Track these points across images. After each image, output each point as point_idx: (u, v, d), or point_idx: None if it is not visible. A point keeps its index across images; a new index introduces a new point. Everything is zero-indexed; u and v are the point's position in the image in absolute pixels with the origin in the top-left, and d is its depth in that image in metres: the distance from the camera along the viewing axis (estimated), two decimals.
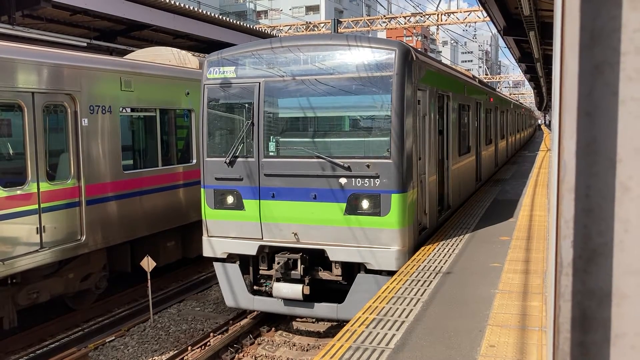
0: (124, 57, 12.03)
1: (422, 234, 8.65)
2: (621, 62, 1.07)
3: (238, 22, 20.47)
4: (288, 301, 8.28)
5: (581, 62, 1.06)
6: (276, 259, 8.15)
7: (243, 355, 8.45)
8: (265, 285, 8.54)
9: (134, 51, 13.38)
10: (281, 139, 8.43)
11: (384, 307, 5.83)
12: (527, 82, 56.40)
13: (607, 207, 1.09)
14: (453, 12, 30.46)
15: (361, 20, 32.37)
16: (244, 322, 9.44)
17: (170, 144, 11.79)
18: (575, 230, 1.08)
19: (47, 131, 8.71)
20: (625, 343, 1.08)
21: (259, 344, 8.77)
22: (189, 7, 16.94)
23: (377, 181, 7.67)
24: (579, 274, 1.09)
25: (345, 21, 32.02)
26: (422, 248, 8.29)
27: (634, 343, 1.08)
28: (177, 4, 16.32)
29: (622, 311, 1.08)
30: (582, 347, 1.09)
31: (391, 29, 32.40)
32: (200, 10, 17.55)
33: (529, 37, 16.25)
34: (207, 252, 8.79)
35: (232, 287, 8.70)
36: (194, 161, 11.85)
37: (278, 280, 8.16)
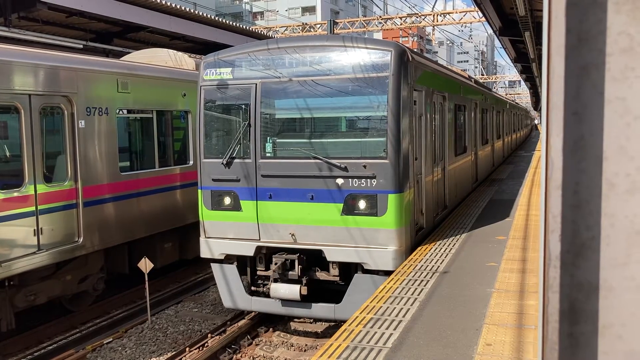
0: (121, 59, 12.04)
1: (419, 234, 8.68)
2: (607, 63, 1.11)
3: (234, 24, 20.49)
4: (286, 302, 8.30)
5: (568, 64, 1.10)
6: (274, 259, 8.17)
7: (241, 356, 8.47)
8: (263, 286, 8.56)
9: (130, 53, 13.39)
10: (278, 140, 8.45)
11: (381, 306, 5.86)
12: (523, 82, 56.57)
13: (594, 202, 1.13)
14: (449, 13, 30.56)
15: (357, 21, 32.43)
16: (241, 323, 9.46)
17: (167, 146, 11.79)
18: (562, 224, 1.12)
19: (44, 133, 8.72)
20: (613, 333, 1.12)
21: (256, 345, 8.79)
22: (185, 8, 16.95)
23: (374, 181, 7.70)
24: (567, 267, 1.13)
25: (341, 22, 32.09)
26: (419, 248, 8.32)
27: (620, 333, 1.12)
28: (173, 5, 16.33)
29: (609, 303, 1.12)
30: (571, 338, 1.13)
31: (387, 29, 32.46)
32: (196, 12, 17.57)
33: (525, 37, 16.35)
34: (204, 253, 8.81)
35: (229, 288, 8.71)
36: (191, 162, 11.86)
37: (276, 280, 8.18)
